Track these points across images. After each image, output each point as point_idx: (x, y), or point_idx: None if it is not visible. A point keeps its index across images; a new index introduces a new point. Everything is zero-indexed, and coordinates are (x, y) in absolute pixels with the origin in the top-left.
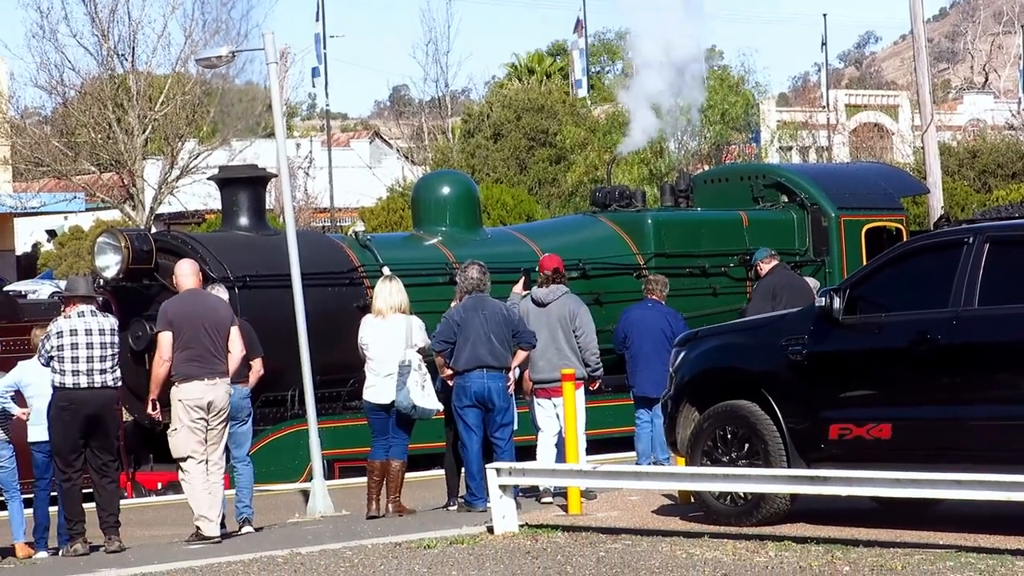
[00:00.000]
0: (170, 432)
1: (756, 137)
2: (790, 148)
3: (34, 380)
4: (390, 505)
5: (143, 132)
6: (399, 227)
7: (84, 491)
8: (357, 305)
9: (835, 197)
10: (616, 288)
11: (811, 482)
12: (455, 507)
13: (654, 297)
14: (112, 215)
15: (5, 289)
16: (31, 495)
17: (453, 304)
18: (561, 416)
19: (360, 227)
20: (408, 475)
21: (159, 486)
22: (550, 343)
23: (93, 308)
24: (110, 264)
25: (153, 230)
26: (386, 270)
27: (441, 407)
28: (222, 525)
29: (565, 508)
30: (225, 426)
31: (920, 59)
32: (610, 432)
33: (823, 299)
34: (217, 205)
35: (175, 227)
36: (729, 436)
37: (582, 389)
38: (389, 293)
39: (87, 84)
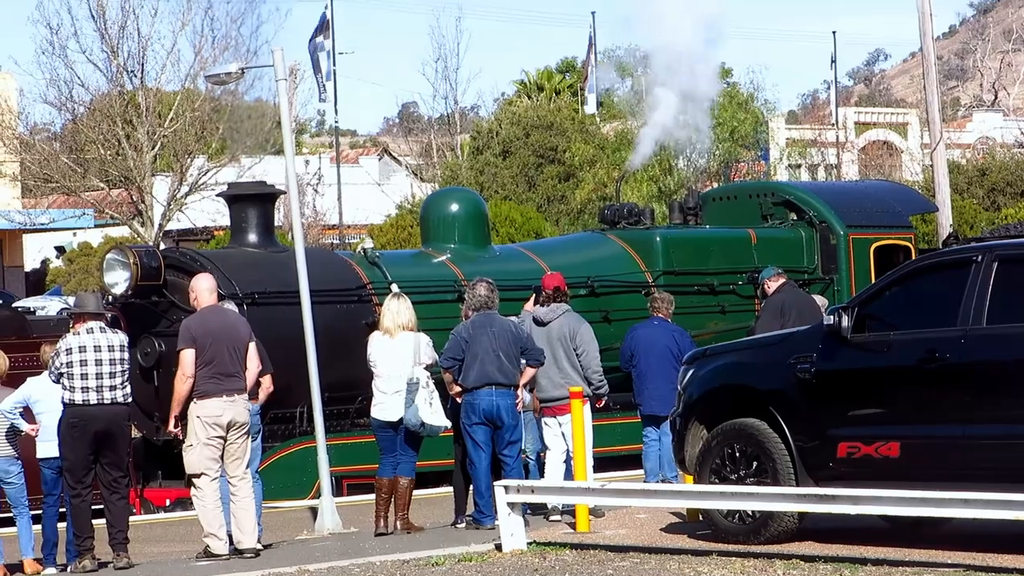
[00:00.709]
0: (185, 448)
1: (765, 155)
2: (799, 166)
3: (43, 396)
4: (398, 522)
5: (152, 148)
6: (408, 244)
7: (93, 507)
8: (366, 322)
9: (844, 215)
10: (625, 306)
11: (819, 500)
12: (463, 524)
13: (660, 315)
14: (121, 231)
15: (14, 305)
16: (39, 511)
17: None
18: (567, 434)
19: (369, 244)
20: (416, 492)
21: (167, 503)
22: (552, 362)
23: (102, 324)
24: (119, 281)
25: (162, 247)
26: (395, 288)
27: (449, 424)
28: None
29: (573, 526)
30: (246, 441)
31: (929, 77)
32: (618, 450)
33: (832, 317)
34: (226, 222)
35: (184, 244)
36: (737, 454)
37: (588, 406)
38: (397, 311)
39: (96, 100)
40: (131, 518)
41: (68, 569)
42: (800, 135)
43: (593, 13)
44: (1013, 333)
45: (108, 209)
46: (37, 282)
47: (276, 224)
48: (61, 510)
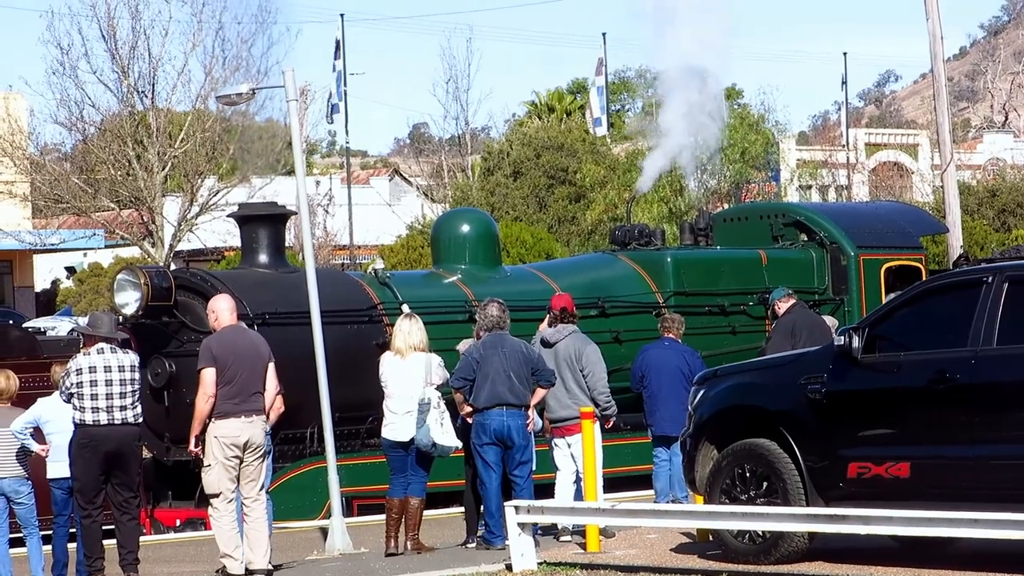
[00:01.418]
0: (204, 468)
1: (776, 176)
2: (810, 187)
3: (53, 417)
4: (409, 542)
5: (163, 169)
6: (419, 265)
7: (104, 527)
8: (376, 343)
9: (854, 236)
10: (636, 326)
11: (830, 521)
12: (474, 544)
13: (671, 335)
14: (131, 252)
15: (24, 325)
16: (50, 531)
17: (464, 342)
18: (576, 455)
19: (380, 265)
20: (427, 512)
21: (178, 523)
22: (559, 383)
23: (113, 345)
24: (129, 301)
25: (172, 267)
26: (406, 308)
27: (460, 444)
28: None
29: (583, 546)
30: (262, 462)
31: (940, 98)
32: (629, 470)
33: (842, 338)
34: (236, 242)
35: (194, 264)
36: (748, 474)
37: (597, 426)
38: (408, 332)
39: (107, 121)
40: (141, 538)
41: None
42: (811, 156)
43: (604, 35)
44: (1023, 354)
45: (119, 229)
46: (48, 302)
47: (287, 244)
48: (71, 530)
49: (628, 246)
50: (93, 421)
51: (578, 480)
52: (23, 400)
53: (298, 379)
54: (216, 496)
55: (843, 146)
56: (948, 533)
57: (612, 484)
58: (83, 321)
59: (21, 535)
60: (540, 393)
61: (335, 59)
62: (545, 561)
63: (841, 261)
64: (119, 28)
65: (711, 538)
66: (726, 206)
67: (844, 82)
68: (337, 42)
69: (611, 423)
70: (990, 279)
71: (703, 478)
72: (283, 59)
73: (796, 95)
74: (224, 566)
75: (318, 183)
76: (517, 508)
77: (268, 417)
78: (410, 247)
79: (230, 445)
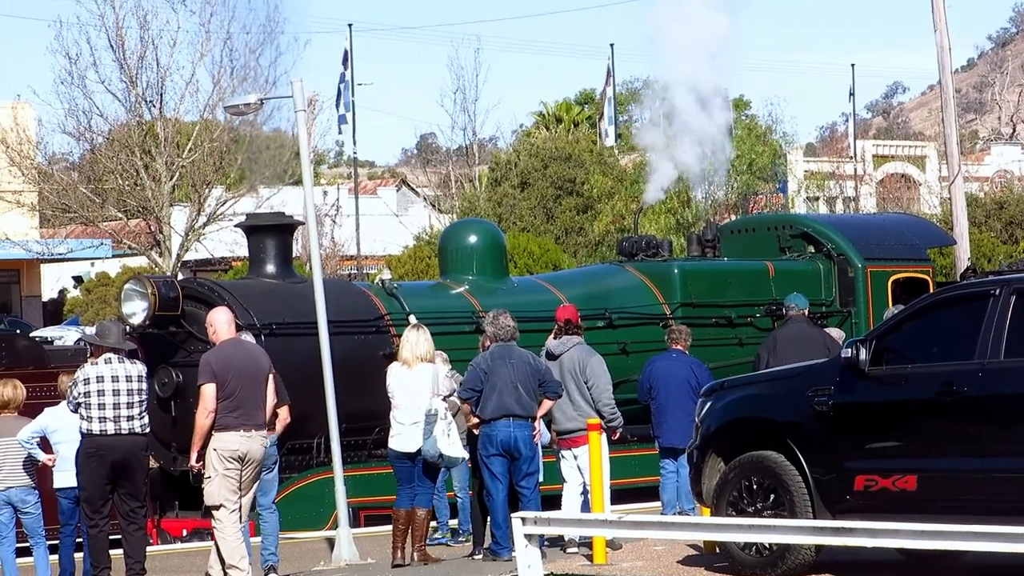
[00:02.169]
0: (205, 480)
1: (783, 187)
2: (817, 198)
3: (60, 426)
4: (415, 553)
5: (170, 179)
6: (426, 275)
7: (111, 537)
8: (383, 353)
9: (862, 248)
10: (643, 338)
11: (836, 533)
12: (480, 556)
13: (678, 347)
14: (139, 262)
15: (32, 335)
16: (56, 541)
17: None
18: (583, 467)
19: (387, 275)
20: (433, 523)
21: (184, 533)
22: (564, 394)
23: (121, 355)
24: (137, 311)
25: (180, 277)
26: (413, 319)
27: (467, 454)
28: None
29: (590, 558)
30: (256, 476)
31: (948, 110)
32: (635, 482)
33: (849, 350)
34: (244, 252)
35: (201, 274)
36: (755, 486)
37: (604, 438)
38: (416, 343)
39: (115, 130)
40: (148, 548)
41: None
42: (818, 168)
43: (612, 45)
44: None
45: (126, 239)
46: (55, 312)
47: (294, 255)
48: (78, 540)
49: (635, 257)
50: (100, 431)
51: (585, 492)
52: (30, 410)
53: (305, 389)
54: (217, 508)
55: (851, 158)
56: (955, 546)
57: (619, 496)
58: (90, 330)
59: (28, 544)
60: (547, 405)
61: (343, 69)
62: (552, 573)
63: (848, 273)
64: (127, 38)
65: (718, 550)
66: (733, 217)
67: (852, 93)
68: (345, 52)
69: (617, 434)
70: (997, 291)
71: (710, 490)
72: (291, 69)
73: (803, 106)
74: None
75: (326, 193)
76: (524, 519)
77: (274, 428)
78: (417, 257)
79: (229, 458)
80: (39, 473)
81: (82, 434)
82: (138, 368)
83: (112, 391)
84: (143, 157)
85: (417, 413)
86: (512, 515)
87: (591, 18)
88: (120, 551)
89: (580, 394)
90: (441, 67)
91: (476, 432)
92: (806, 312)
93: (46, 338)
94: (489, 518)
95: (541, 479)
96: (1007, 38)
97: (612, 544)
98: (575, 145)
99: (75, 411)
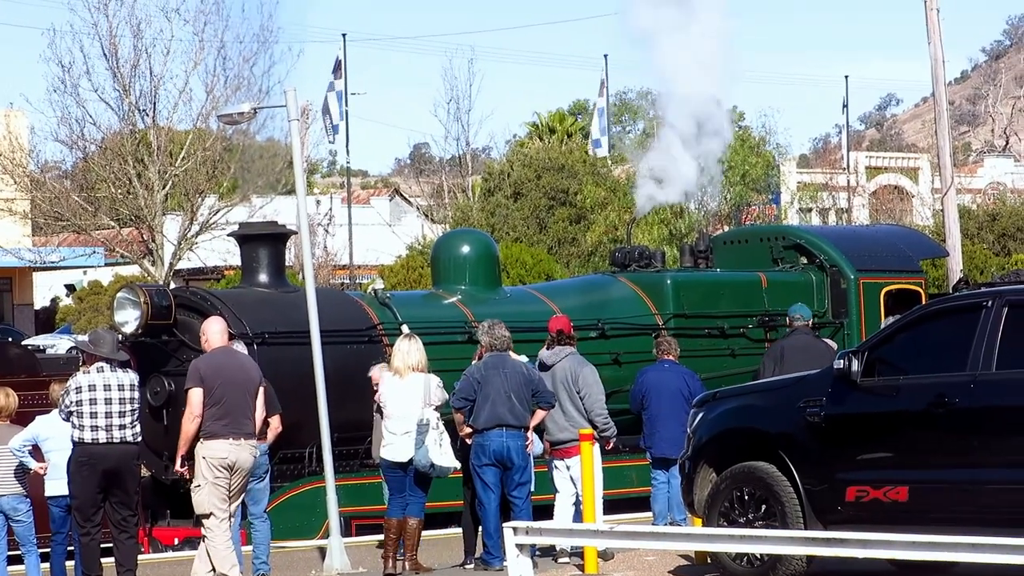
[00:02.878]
0: (193, 488)
1: (776, 198)
2: (810, 210)
3: (52, 435)
4: (407, 563)
5: (163, 187)
6: (418, 285)
7: (102, 546)
8: (376, 363)
9: (854, 259)
10: (635, 348)
11: (827, 544)
12: (472, 565)
13: (670, 357)
14: (131, 270)
15: (23, 343)
16: (48, 549)
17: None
18: (575, 477)
19: (379, 285)
20: (425, 533)
21: (176, 541)
22: (557, 405)
23: (113, 364)
24: (129, 319)
25: (172, 286)
26: (405, 328)
27: (459, 465)
28: None
29: (582, 568)
30: (244, 485)
31: (941, 122)
32: (627, 492)
33: (842, 361)
34: (236, 261)
35: (194, 283)
36: (746, 497)
37: (597, 448)
38: (407, 352)
39: (108, 139)
40: (140, 557)
41: None
42: (811, 179)
43: (606, 56)
44: (1022, 378)
45: (119, 248)
46: (47, 320)
47: (287, 264)
48: (69, 548)
49: (628, 268)
50: (92, 439)
51: (578, 502)
52: (22, 418)
53: (297, 398)
54: (207, 516)
55: (844, 169)
56: (946, 557)
57: (611, 506)
58: (83, 338)
59: (20, 553)
60: (540, 415)
61: (335, 78)
62: None
63: (841, 284)
64: (121, 46)
65: (709, 560)
66: (726, 228)
67: (845, 105)
68: (338, 61)
69: (611, 444)
70: (990, 303)
71: (701, 500)
72: (284, 79)
73: (797, 118)
74: None
75: (318, 203)
76: (515, 529)
77: (266, 437)
78: (410, 267)
79: (218, 466)
80: (31, 481)
81: (74, 442)
82: (130, 377)
83: (104, 400)
84: (136, 166)
85: (408, 423)
86: (504, 525)
87: (585, 29)
88: (111, 559)
89: (573, 404)
90: (435, 77)
91: (469, 442)
92: (810, 323)
93: (38, 346)
94: (481, 527)
95: (533, 489)
96: (1001, 51)
97: (604, 554)
98: (568, 156)
99: (67, 419)
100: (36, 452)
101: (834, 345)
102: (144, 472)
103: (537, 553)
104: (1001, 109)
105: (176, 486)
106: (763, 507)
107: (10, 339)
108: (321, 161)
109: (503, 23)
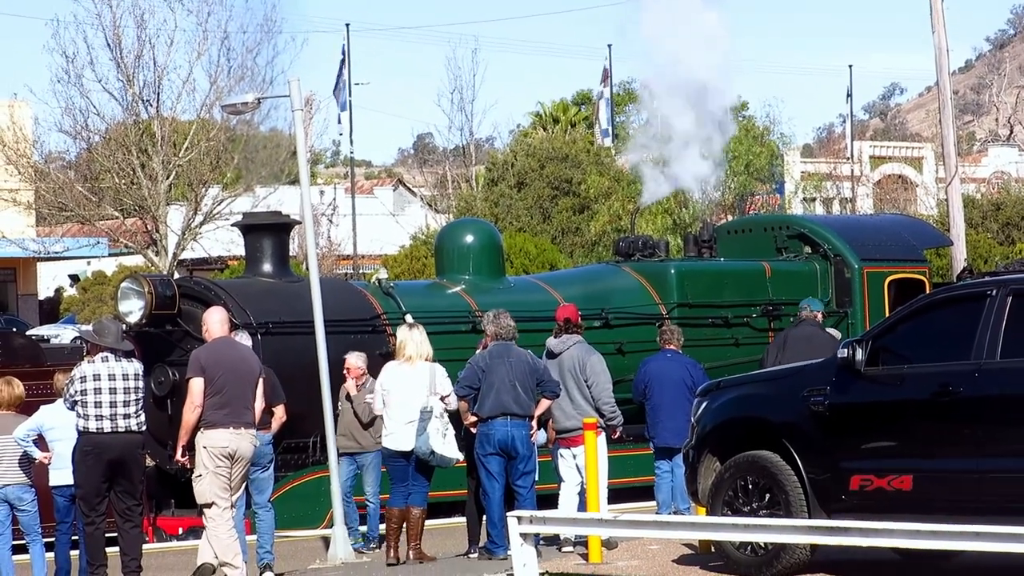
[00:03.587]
0: (195, 478)
1: (780, 188)
2: (814, 199)
3: (56, 424)
4: (410, 552)
5: (167, 178)
6: (422, 275)
7: (107, 535)
8: (380, 352)
9: (858, 248)
10: (639, 338)
11: (831, 533)
12: (476, 555)
13: (672, 347)
14: (135, 260)
15: (28, 333)
16: (52, 539)
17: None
18: (581, 466)
19: (383, 275)
20: (429, 522)
21: (180, 531)
22: (564, 393)
23: (118, 354)
24: (133, 309)
25: (176, 276)
26: (409, 318)
27: (461, 456)
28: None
29: (586, 557)
30: (245, 474)
31: (945, 111)
32: (630, 481)
33: (846, 350)
34: (240, 251)
35: (198, 273)
36: (750, 486)
37: (603, 437)
38: (420, 341)
39: (112, 129)
40: (144, 546)
41: None
42: (815, 168)
43: (610, 46)
44: None
45: (122, 238)
46: (51, 310)
47: (291, 254)
48: (74, 538)
49: (632, 257)
50: (97, 429)
51: (583, 491)
52: (26, 408)
53: (301, 388)
54: (209, 506)
55: (848, 159)
56: (950, 546)
57: (614, 495)
58: (87, 328)
59: (24, 542)
60: (544, 404)
61: (340, 69)
62: (547, 572)
63: (845, 274)
64: (124, 37)
65: (713, 549)
66: (730, 218)
67: (849, 94)
68: (343, 52)
69: (617, 433)
70: (994, 292)
71: (705, 489)
72: (288, 69)
73: (801, 107)
74: (225, 575)
75: (322, 193)
76: (520, 518)
77: (270, 426)
78: (414, 257)
79: (219, 455)
80: (35, 471)
81: (79, 432)
82: (135, 366)
83: (109, 389)
84: (140, 156)
85: (413, 411)
86: (508, 514)
87: (588, 19)
88: (116, 549)
89: (580, 393)
90: (438, 67)
91: (473, 430)
92: (819, 315)
93: (42, 336)
94: (485, 517)
95: (537, 478)
96: (1005, 40)
97: (608, 543)
98: (572, 145)
99: (71, 409)
100: (41, 442)
101: (837, 335)
102: (149, 462)
103: (541, 542)
104: (1005, 98)
105: (180, 475)
106: (767, 496)
107: (14, 329)
108: (325, 151)
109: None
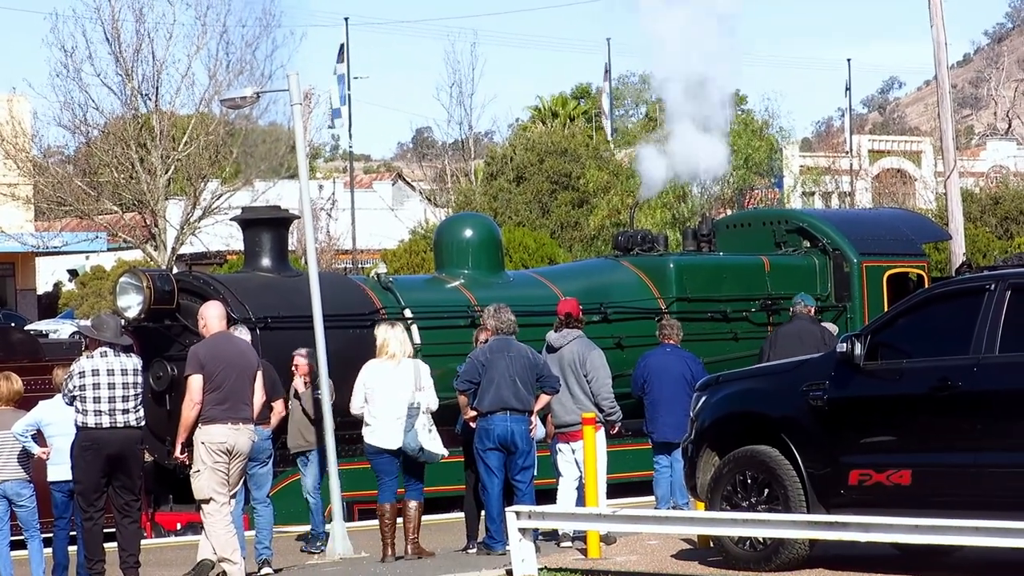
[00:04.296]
0: (193, 473)
1: (779, 182)
2: (813, 193)
3: (55, 419)
4: (409, 547)
5: (166, 172)
6: (421, 269)
7: (105, 531)
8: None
9: (857, 243)
10: (638, 332)
11: (830, 528)
12: (474, 550)
13: (671, 341)
14: (134, 255)
15: (26, 328)
16: (50, 534)
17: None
18: (580, 461)
19: (382, 269)
20: (427, 517)
21: (179, 526)
22: (564, 388)
23: (116, 349)
24: (132, 304)
25: (175, 270)
26: (408, 313)
27: (446, 453)
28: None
29: (584, 552)
30: (243, 469)
31: (944, 105)
32: (629, 476)
33: (844, 345)
34: (239, 246)
35: (197, 268)
36: (749, 481)
37: (602, 432)
38: (403, 339)
39: (110, 124)
40: (143, 542)
41: None
42: (814, 162)
43: (608, 40)
44: None
45: (121, 233)
46: (50, 305)
47: (290, 248)
48: (72, 533)
49: (631, 252)
50: (95, 424)
51: (581, 486)
52: (25, 403)
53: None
54: (207, 502)
55: (846, 153)
56: (949, 541)
57: (613, 490)
58: (86, 323)
59: (22, 537)
60: (544, 399)
61: (338, 63)
62: (546, 567)
63: (844, 268)
64: (123, 31)
65: (712, 544)
66: (729, 212)
67: (848, 88)
68: (341, 46)
69: (616, 428)
70: (992, 287)
71: (704, 484)
72: (287, 63)
73: (800, 101)
74: (224, 571)
75: (321, 187)
76: (518, 513)
77: (269, 422)
78: (413, 251)
79: (217, 451)
80: (34, 466)
81: (77, 427)
82: (133, 361)
83: (107, 384)
84: (139, 150)
85: (401, 408)
86: (507, 509)
87: (587, 12)
88: (114, 544)
89: (580, 388)
90: (437, 61)
91: (473, 425)
92: (812, 310)
93: (41, 331)
94: (483, 512)
95: (536, 473)
96: (1003, 33)
97: (606, 538)
98: (571, 140)
99: (70, 404)
100: (39, 437)
101: (835, 329)
102: (147, 457)
103: (540, 537)
104: (1004, 92)
105: (178, 471)
106: (766, 491)
107: (13, 324)
108: (324, 145)
109: (505, 6)
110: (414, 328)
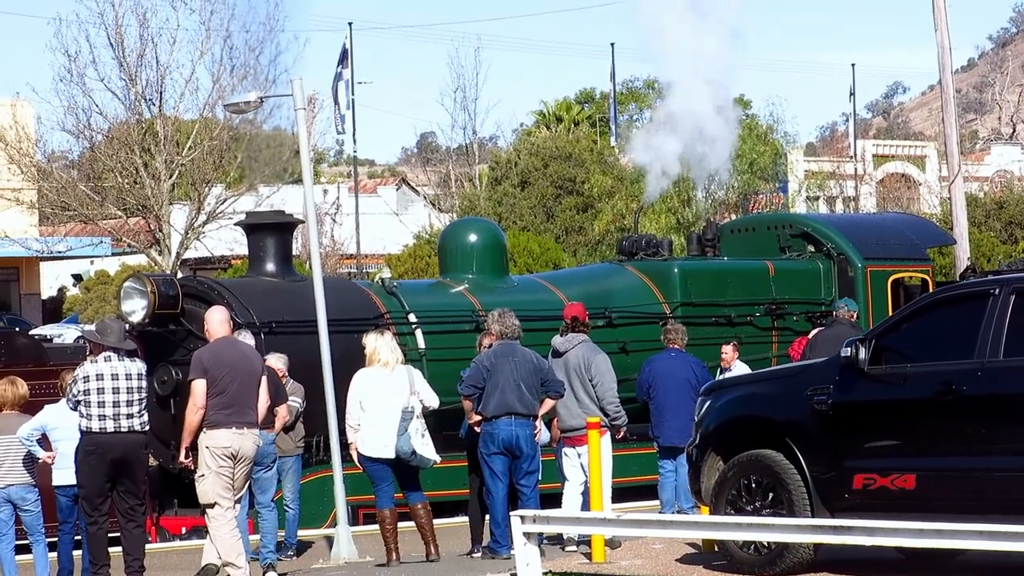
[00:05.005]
0: (197, 478)
1: (783, 187)
2: (817, 198)
3: (59, 424)
4: (432, 547)
5: (170, 177)
6: (426, 274)
7: (110, 535)
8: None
9: (861, 247)
10: (642, 337)
11: (835, 532)
12: (479, 554)
13: (676, 346)
14: (138, 260)
15: (31, 333)
16: (55, 539)
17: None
18: (585, 465)
19: (387, 274)
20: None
21: (183, 531)
22: (569, 392)
23: (121, 353)
24: (136, 309)
25: (179, 275)
26: (413, 317)
27: (439, 459)
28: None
29: (589, 556)
30: (248, 474)
31: (948, 110)
32: (634, 481)
33: (849, 349)
34: (243, 251)
35: (201, 272)
36: (753, 485)
37: (607, 436)
38: (394, 347)
39: (114, 128)
40: (147, 546)
41: None
42: (819, 167)
43: (612, 45)
44: None
45: (125, 237)
46: (54, 310)
47: (294, 253)
48: (77, 538)
49: (635, 256)
50: (100, 428)
51: (586, 490)
52: (29, 407)
53: (304, 388)
54: (211, 506)
55: (851, 157)
56: (954, 545)
57: (618, 494)
58: (91, 328)
59: (27, 542)
60: (548, 404)
61: (342, 68)
62: (550, 571)
63: (848, 273)
64: (127, 36)
65: (716, 548)
66: (733, 217)
67: (852, 93)
68: (344, 51)
69: (621, 432)
70: (997, 291)
71: (709, 489)
72: (291, 67)
73: (804, 106)
74: (228, 575)
75: (325, 192)
76: (523, 518)
77: (273, 426)
78: (417, 256)
79: (221, 455)
80: (38, 470)
81: (82, 432)
82: (138, 366)
83: (112, 389)
84: (142, 155)
85: (395, 415)
86: (511, 513)
87: (591, 17)
88: (119, 549)
89: (585, 392)
90: (441, 66)
91: (477, 429)
92: (855, 315)
93: (45, 336)
94: (488, 516)
95: (540, 478)
96: (1007, 38)
97: (611, 543)
98: (575, 144)
99: (74, 409)
100: (44, 441)
101: None
102: (152, 461)
103: (544, 541)
104: (1008, 97)
105: (183, 476)
106: (770, 495)
107: (17, 329)
108: (328, 150)
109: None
110: (418, 332)
